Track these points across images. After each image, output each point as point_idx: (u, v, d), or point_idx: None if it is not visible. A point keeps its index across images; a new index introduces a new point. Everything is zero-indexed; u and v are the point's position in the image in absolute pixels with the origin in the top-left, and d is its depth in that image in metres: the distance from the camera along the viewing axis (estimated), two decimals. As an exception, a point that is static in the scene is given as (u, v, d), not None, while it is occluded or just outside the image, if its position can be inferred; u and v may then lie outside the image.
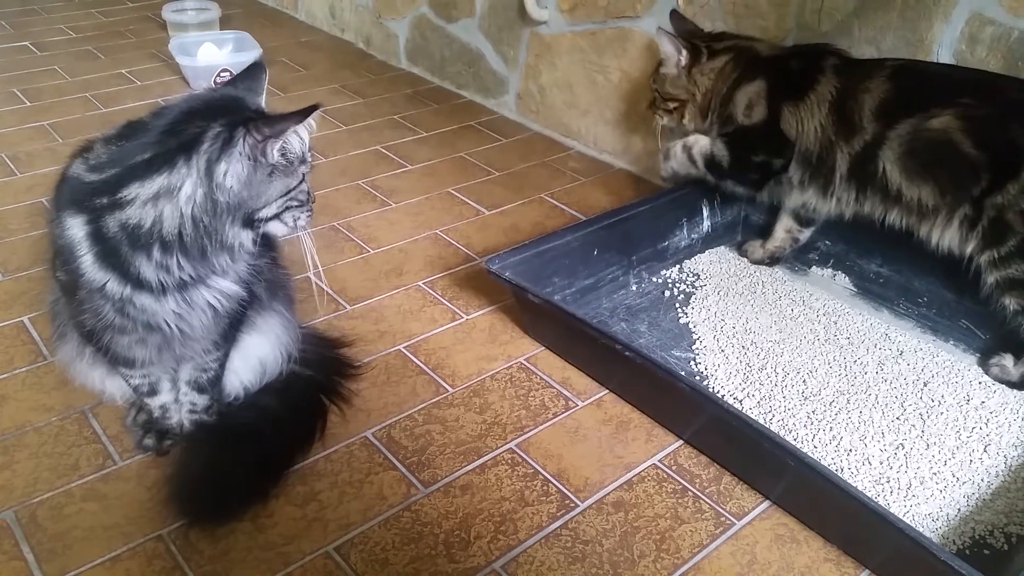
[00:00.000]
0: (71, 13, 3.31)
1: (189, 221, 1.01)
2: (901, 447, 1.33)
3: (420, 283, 1.73)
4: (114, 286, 1.03)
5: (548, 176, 2.21)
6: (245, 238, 1.06)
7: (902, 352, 1.55)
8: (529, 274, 1.52)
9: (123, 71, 2.75)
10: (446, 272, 1.77)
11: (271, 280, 1.26)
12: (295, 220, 1.10)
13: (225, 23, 3.08)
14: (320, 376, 1.40)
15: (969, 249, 1.44)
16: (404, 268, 1.78)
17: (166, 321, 1.08)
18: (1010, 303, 1.42)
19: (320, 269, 1.20)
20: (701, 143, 1.70)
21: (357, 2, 2.99)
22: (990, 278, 1.42)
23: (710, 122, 1.72)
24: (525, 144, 2.37)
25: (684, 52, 1.69)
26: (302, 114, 1.02)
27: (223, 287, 1.10)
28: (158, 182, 0.99)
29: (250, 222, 1.05)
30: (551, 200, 2.09)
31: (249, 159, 1.01)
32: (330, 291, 1.68)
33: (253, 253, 1.13)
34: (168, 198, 1.00)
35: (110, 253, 1.02)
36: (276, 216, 1.08)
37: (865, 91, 1.50)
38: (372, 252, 1.83)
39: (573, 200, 2.08)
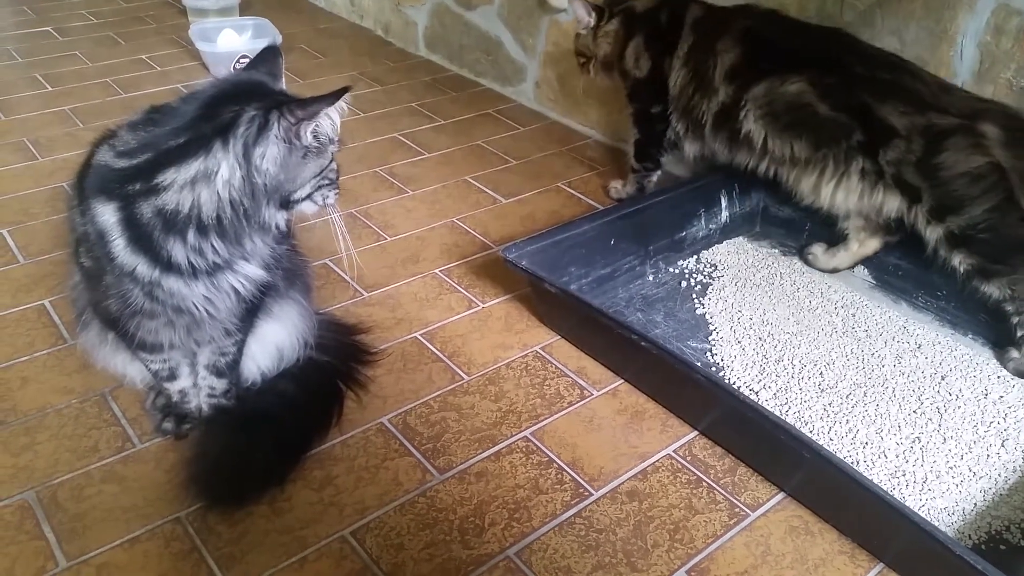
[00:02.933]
0: (92, -1, 3.33)
1: (228, 204, 1.02)
2: (918, 440, 1.32)
3: (437, 271, 1.74)
4: (144, 269, 1.04)
5: (565, 165, 2.20)
6: (280, 219, 1.09)
7: (920, 345, 1.54)
8: (545, 263, 1.52)
9: (143, 57, 2.76)
10: (462, 260, 1.77)
11: (289, 268, 1.27)
12: (324, 199, 1.12)
13: (245, 9, 3.08)
14: (337, 362, 1.41)
15: (896, 206, 1.51)
16: (421, 256, 1.79)
17: (195, 303, 1.09)
18: (960, 263, 1.46)
19: (350, 244, 1.21)
20: (629, 159, 1.93)
21: (376, -11, 2.99)
22: (931, 237, 1.48)
23: (614, 80, 1.90)
24: (543, 133, 2.36)
25: (592, 15, 1.85)
26: (334, 96, 1.03)
27: (248, 272, 1.12)
28: (195, 166, 1.00)
29: (286, 203, 1.08)
30: (568, 189, 2.08)
31: (285, 142, 1.03)
32: (349, 278, 1.69)
33: (284, 234, 1.15)
34: (206, 182, 1.01)
35: (142, 238, 1.03)
36: (308, 196, 1.10)
37: (718, 52, 1.65)
38: (389, 239, 1.84)
39: (590, 189, 2.08)
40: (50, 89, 2.49)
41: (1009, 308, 1.46)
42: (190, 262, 1.05)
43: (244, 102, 1.02)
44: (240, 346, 1.26)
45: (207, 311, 1.11)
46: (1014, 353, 1.49)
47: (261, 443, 1.23)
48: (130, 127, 1.06)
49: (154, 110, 1.07)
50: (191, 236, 1.03)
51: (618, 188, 2.02)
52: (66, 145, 2.14)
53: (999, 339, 1.53)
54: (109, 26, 3.04)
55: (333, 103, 1.03)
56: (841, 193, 1.57)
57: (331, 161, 1.11)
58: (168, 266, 1.04)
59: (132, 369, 1.29)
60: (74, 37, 2.91)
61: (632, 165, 1.96)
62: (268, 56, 1.17)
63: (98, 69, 2.65)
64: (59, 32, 2.95)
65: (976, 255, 1.44)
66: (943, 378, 1.46)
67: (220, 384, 1.27)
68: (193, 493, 1.17)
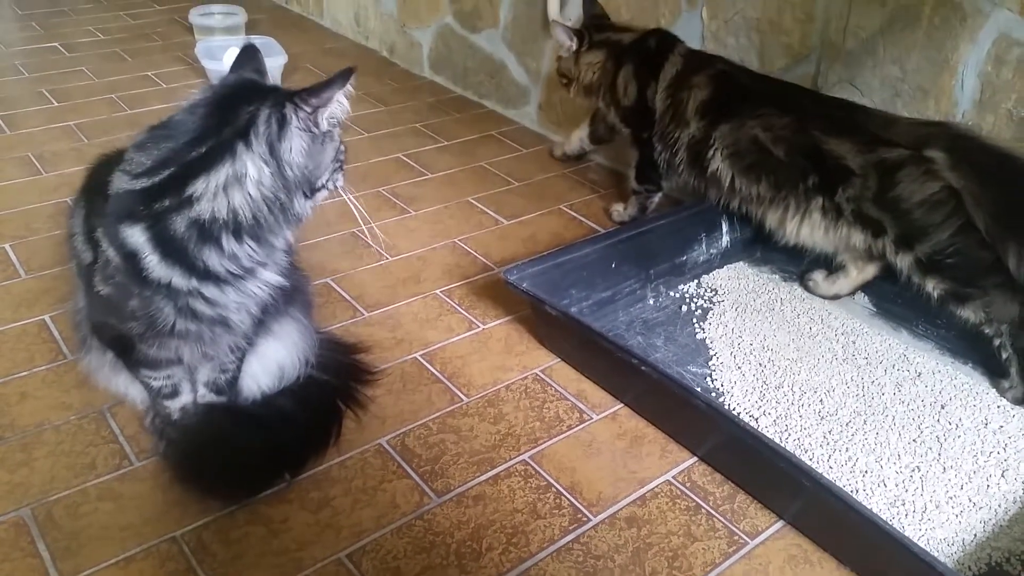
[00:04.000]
0: (100, 15, 3.35)
1: (263, 203, 1.04)
2: (917, 470, 1.32)
3: (438, 291, 1.74)
4: (180, 281, 1.04)
5: (567, 187, 2.21)
6: (308, 208, 1.11)
7: (920, 374, 1.54)
8: (546, 285, 1.52)
9: (149, 73, 2.78)
10: (464, 281, 1.78)
11: (290, 285, 1.27)
12: (335, 182, 1.15)
13: (251, 28, 3.11)
14: (336, 381, 1.41)
15: (861, 239, 1.55)
16: (422, 276, 1.79)
17: (231, 310, 1.10)
18: (933, 288, 1.49)
19: (367, 216, 1.23)
20: (630, 182, 1.98)
21: (382, 10, 3.02)
22: (903, 264, 1.51)
23: (596, 102, 1.99)
24: (545, 155, 2.37)
25: (574, 40, 1.94)
26: (342, 79, 1.06)
27: (268, 278, 1.13)
28: (223, 172, 1.01)
29: (312, 191, 1.10)
30: (570, 212, 2.09)
31: (306, 131, 1.05)
32: (349, 296, 1.69)
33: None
34: (237, 185, 1.02)
35: (176, 252, 1.03)
36: (327, 181, 1.12)
37: (692, 87, 1.74)
38: (391, 259, 1.84)
39: (592, 212, 2.08)
40: (56, 104, 2.50)
41: (988, 331, 1.47)
42: (226, 269, 1.06)
43: (253, 101, 1.04)
44: (240, 362, 1.26)
45: (237, 319, 1.12)
46: (1005, 383, 1.49)
47: (249, 443, 1.24)
48: (137, 148, 1.06)
49: (157, 127, 1.08)
50: (226, 242, 1.04)
51: (620, 211, 2.03)
52: (70, 160, 2.15)
53: (996, 368, 1.53)
54: (116, 43, 3.06)
55: (343, 86, 1.07)
56: (806, 229, 1.63)
57: (340, 143, 1.14)
58: (204, 275, 1.05)
59: (133, 390, 1.29)
60: (81, 53, 2.93)
61: (633, 187, 1.98)
62: (249, 55, 1.18)
63: (104, 85, 2.66)
64: (66, 48, 2.97)
65: (948, 280, 1.47)
66: (943, 407, 1.45)
67: (219, 402, 1.27)
68: (172, 479, 1.18)
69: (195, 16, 3.01)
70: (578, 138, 2.23)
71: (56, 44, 3.00)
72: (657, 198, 1.99)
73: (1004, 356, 1.47)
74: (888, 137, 1.50)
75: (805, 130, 1.58)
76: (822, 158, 1.55)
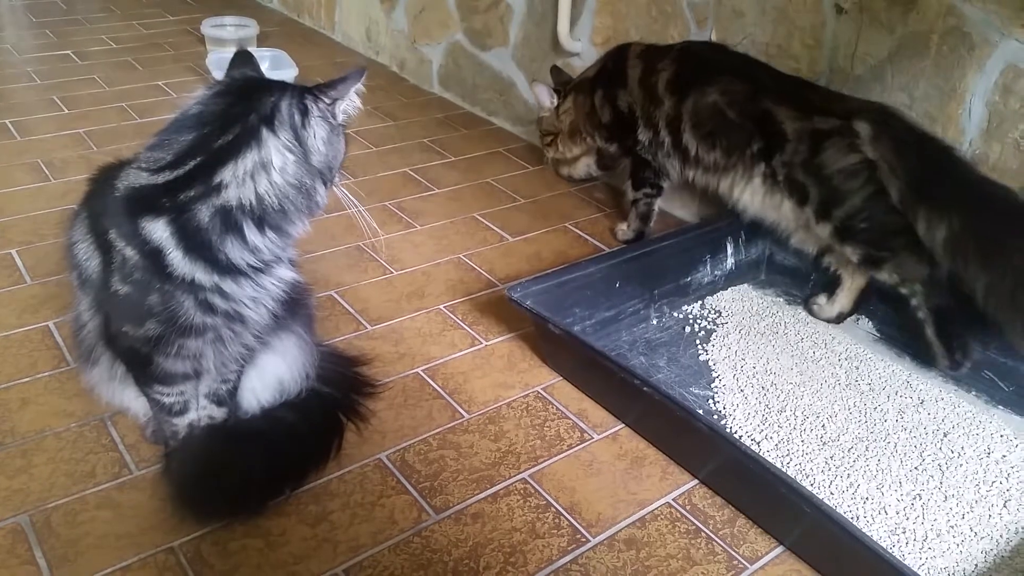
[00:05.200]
0: (113, 24, 3.38)
1: (288, 188, 1.07)
2: (919, 498, 1.31)
3: (441, 306, 1.74)
4: (203, 276, 1.05)
5: (573, 205, 2.22)
6: (325, 197, 1.15)
7: (923, 401, 1.53)
8: (550, 303, 1.52)
9: (160, 83, 2.80)
10: (467, 297, 1.78)
11: (291, 297, 1.27)
12: (335, 181, 1.18)
13: (263, 40, 3.13)
14: (338, 393, 1.40)
15: (790, 208, 1.66)
16: (426, 291, 1.79)
17: (247, 305, 1.11)
18: (851, 255, 1.60)
19: (370, 218, 1.25)
20: (627, 194, 2.05)
21: (393, 26, 3.04)
22: (823, 234, 1.62)
23: (582, 144, 2.12)
24: (552, 173, 2.38)
25: (555, 98, 2.11)
26: (356, 76, 1.11)
27: (281, 274, 1.15)
28: (250, 158, 1.04)
29: (330, 180, 1.14)
30: (575, 229, 2.09)
31: (325, 121, 1.10)
32: (352, 309, 1.70)
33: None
34: (263, 172, 1.05)
35: (199, 245, 1.04)
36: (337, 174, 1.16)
37: (658, 71, 1.84)
38: (395, 273, 1.85)
39: (597, 231, 2.09)
40: (67, 112, 2.52)
41: (905, 292, 1.57)
42: (246, 262, 1.08)
43: (274, 92, 1.07)
44: (240, 372, 1.26)
45: (257, 313, 1.13)
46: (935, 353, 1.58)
47: (248, 456, 1.23)
48: (152, 148, 1.07)
49: (169, 126, 1.08)
50: (248, 232, 1.06)
51: (624, 229, 2.04)
52: (79, 168, 2.16)
53: (998, 396, 1.53)
54: (128, 51, 3.08)
55: (358, 81, 1.11)
56: (747, 195, 1.72)
57: (345, 140, 1.17)
58: (226, 269, 1.06)
59: (137, 404, 1.29)
60: (93, 61, 2.96)
61: (632, 196, 2.02)
62: (243, 60, 1.19)
63: (115, 93, 2.68)
64: (78, 56, 2.99)
65: (861, 244, 1.58)
66: (945, 435, 1.45)
67: (219, 413, 1.27)
68: (169, 499, 1.18)
69: (207, 27, 3.03)
70: (584, 164, 2.24)
71: (69, 52, 3.02)
72: (658, 204, 2.02)
73: (920, 316, 1.56)
74: (827, 108, 1.60)
75: (756, 97, 1.68)
76: (767, 124, 1.65)
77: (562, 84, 2.14)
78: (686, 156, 1.81)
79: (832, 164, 1.57)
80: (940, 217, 1.47)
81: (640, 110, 1.89)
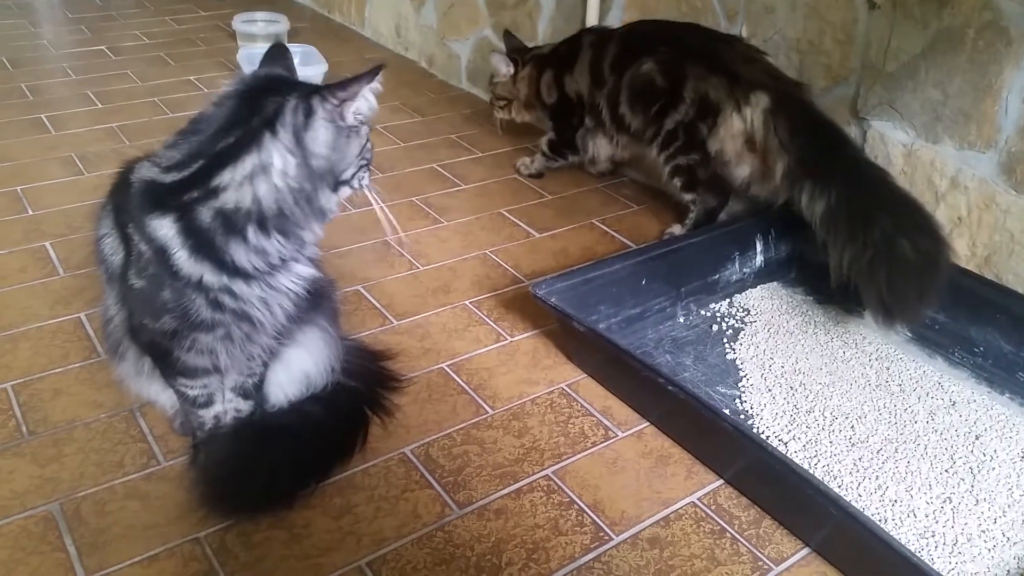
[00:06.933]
0: (146, 20, 3.42)
1: (288, 193, 1.06)
2: (949, 501, 1.29)
3: (467, 302, 1.74)
4: (211, 277, 1.06)
5: (600, 202, 2.21)
6: (333, 203, 1.13)
7: (955, 402, 1.50)
8: (575, 301, 1.51)
9: (191, 78, 2.83)
10: (493, 293, 1.78)
11: (315, 291, 1.27)
12: (359, 180, 1.15)
13: (293, 36, 3.15)
14: (364, 387, 1.41)
15: (660, 159, 1.96)
16: (452, 286, 1.79)
17: (256, 306, 1.11)
18: (676, 183, 1.97)
19: (392, 218, 1.23)
20: (541, 145, 2.31)
21: (422, 22, 3.04)
22: (665, 168, 1.96)
23: (535, 115, 2.30)
24: (579, 168, 2.37)
25: (510, 66, 2.24)
26: (370, 75, 1.07)
27: (299, 270, 1.14)
28: (249, 161, 1.03)
29: (336, 185, 1.11)
30: (602, 226, 2.08)
31: (331, 123, 1.07)
32: (379, 304, 1.70)
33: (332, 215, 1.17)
34: (263, 175, 1.04)
35: (204, 245, 1.05)
36: (352, 177, 1.13)
37: (607, 52, 2.00)
38: (421, 269, 1.85)
39: (624, 227, 2.08)
40: (100, 106, 2.55)
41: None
42: (252, 264, 1.07)
43: (281, 93, 1.06)
44: (267, 366, 1.27)
45: (266, 315, 1.13)
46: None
47: (277, 452, 1.24)
48: (169, 146, 1.08)
49: (186, 126, 1.09)
50: (251, 235, 1.06)
51: (527, 164, 2.32)
52: (111, 162, 2.16)
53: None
54: (160, 47, 3.12)
55: (371, 81, 1.07)
56: (651, 153, 1.98)
57: (367, 140, 1.14)
58: (233, 270, 1.07)
59: (164, 397, 1.30)
60: (126, 56, 2.99)
61: (544, 151, 2.29)
62: (278, 53, 1.20)
63: (147, 88, 2.71)
64: (112, 51, 3.03)
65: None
66: (977, 438, 1.42)
67: (245, 406, 1.28)
68: (197, 496, 1.19)
69: (238, 23, 3.06)
70: (606, 156, 2.26)
71: (103, 47, 3.06)
72: (557, 166, 2.31)
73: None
74: (733, 70, 1.80)
75: (681, 62, 1.86)
76: (681, 87, 1.85)
77: (516, 51, 2.27)
78: (621, 125, 2.01)
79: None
80: (822, 192, 1.60)
81: (587, 93, 2.07)
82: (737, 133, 1.79)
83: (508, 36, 2.34)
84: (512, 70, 2.24)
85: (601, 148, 2.21)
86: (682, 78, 1.85)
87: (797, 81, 1.81)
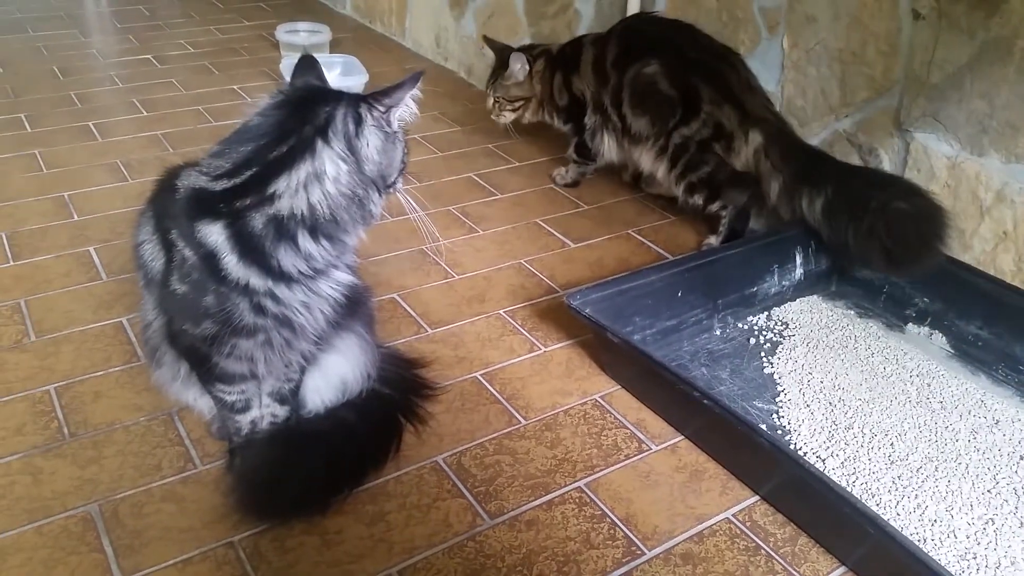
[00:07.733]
0: (191, 29, 3.48)
1: (340, 198, 1.08)
2: (991, 522, 1.26)
3: (501, 311, 1.74)
4: (257, 281, 1.07)
5: (637, 212, 2.20)
6: (380, 207, 1.15)
7: (998, 421, 1.47)
8: (610, 312, 1.51)
9: (235, 87, 2.87)
10: (528, 302, 1.77)
11: (353, 298, 1.28)
12: (398, 185, 1.18)
13: (335, 46, 3.19)
14: (398, 395, 1.42)
15: (661, 171, 2.00)
16: (487, 295, 1.79)
17: (297, 311, 1.12)
18: (697, 200, 1.98)
19: (430, 223, 1.26)
20: (569, 154, 2.32)
21: (462, 32, 3.06)
22: (678, 188, 1.99)
23: (545, 113, 2.32)
24: (616, 178, 2.36)
25: (526, 65, 2.25)
26: (412, 81, 1.11)
27: (339, 277, 1.16)
28: (304, 169, 1.05)
29: (384, 189, 1.15)
30: (638, 236, 2.07)
31: (379, 129, 1.10)
32: (414, 312, 1.71)
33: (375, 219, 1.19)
34: (316, 182, 1.06)
35: (253, 250, 1.06)
36: (395, 181, 1.16)
37: (607, 53, 2.05)
38: (457, 277, 1.86)
39: (661, 238, 2.06)
40: (145, 114, 2.60)
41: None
42: (298, 269, 1.09)
43: (329, 102, 1.08)
44: (303, 372, 1.28)
45: (307, 319, 1.14)
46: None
47: (310, 460, 1.24)
48: (214, 155, 1.10)
49: (231, 135, 1.11)
50: (302, 240, 1.08)
51: (563, 174, 2.33)
52: (155, 169, 2.18)
53: None
54: (205, 56, 3.17)
55: (413, 87, 1.11)
56: (647, 159, 2.02)
57: (405, 146, 1.18)
58: (279, 275, 1.08)
59: (202, 403, 1.32)
60: (172, 65, 3.05)
61: (574, 158, 2.30)
62: (308, 64, 1.22)
63: (191, 97, 2.76)
64: (158, 60, 3.10)
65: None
66: (1022, 458, 1.39)
67: (282, 411, 1.29)
68: (233, 501, 1.20)
69: (281, 33, 3.10)
70: (618, 159, 2.26)
71: (149, 56, 3.13)
72: (591, 169, 2.30)
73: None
74: (742, 104, 1.89)
75: (687, 73, 1.91)
76: (695, 98, 1.90)
77: (522, 49, 2.27)
78: (628, 133, 2.03)
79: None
80: (818, 192, 1.74)
81: (592, 93, 2.11)
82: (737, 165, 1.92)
83: (489, 40, 2.38)
84: (528, 69, 2.25)
85: (610, 151, 2.17)
86: (694, 94, 1.90)
87: (778, 119, 1.92)
